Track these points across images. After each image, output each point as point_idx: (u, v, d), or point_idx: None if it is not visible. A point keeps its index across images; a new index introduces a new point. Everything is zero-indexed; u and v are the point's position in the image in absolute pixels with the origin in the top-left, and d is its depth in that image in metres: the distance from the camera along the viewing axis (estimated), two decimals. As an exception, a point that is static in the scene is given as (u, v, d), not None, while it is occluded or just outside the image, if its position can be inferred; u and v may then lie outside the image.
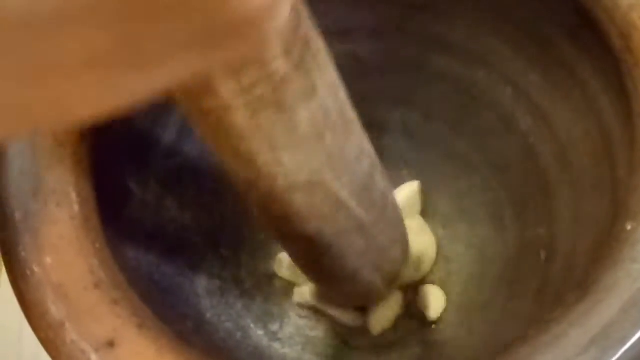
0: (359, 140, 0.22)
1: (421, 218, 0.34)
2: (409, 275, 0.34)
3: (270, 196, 0.21)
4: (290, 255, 0.28)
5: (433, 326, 0.33)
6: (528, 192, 0.31)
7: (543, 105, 0.30)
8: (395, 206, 0.27)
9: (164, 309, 0.24)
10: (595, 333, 0.19)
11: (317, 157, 0.20)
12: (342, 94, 0.20)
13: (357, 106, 0.21)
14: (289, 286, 0.34)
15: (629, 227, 0.21)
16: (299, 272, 0.34)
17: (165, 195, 0.30)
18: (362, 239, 0.25)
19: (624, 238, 0.20)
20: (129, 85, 0.12)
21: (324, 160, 0.21)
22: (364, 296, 0.30)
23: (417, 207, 0.34)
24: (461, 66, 0.32)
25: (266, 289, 0.34)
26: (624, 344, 0.19)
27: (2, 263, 0.22)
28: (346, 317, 0.33)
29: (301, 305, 0.34)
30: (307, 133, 0.19)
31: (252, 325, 0.31)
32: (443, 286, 0.34)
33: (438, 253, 0.34)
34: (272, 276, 0.34)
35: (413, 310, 0.33)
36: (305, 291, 0.33)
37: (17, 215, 0.22)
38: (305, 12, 0.18)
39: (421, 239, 0.34)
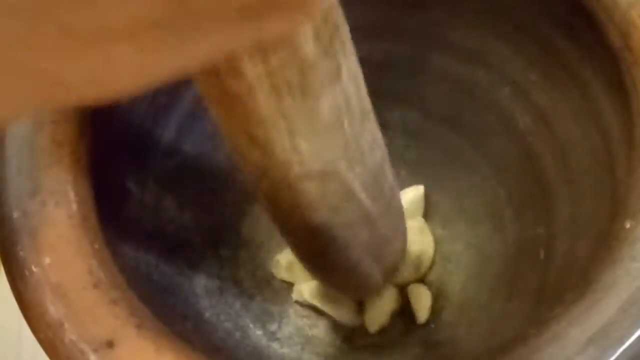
0: (373, 130, 0.22)
1: (422, 219, 0.35)
2: (408, 274, 0.34)
3: (283, 185, 0.20)
4: (293, 248, 0.27)
5: (432, 325, 0.33)
6: (527, 192, 0.31)
7: (542, 105, 0.30)
8: (398, 199, 0.27)
9: (163, 308, 0.24)
10: (594, 332, 0.19)
11: (334, 146, 0.20)
12: (361, 81, 0.20)
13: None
14: (288, 286, 0.34)
15: (627, 226, 0.21)
16: (296, 273, 0.34)
17: (164, 195, 0.30)
18: (367, 231, 0.24)
19: (623, 237, 0.20)
20: (172, 57, 0.12)
21: (340, 150, 0.20)
22: (363, 288, 0.29)
23: (420, 210, 0.35)
24: (461, 66, 0.32)
25: (265, 289, 0.34)
26: (623, 342, 0.19)
27: (1, 263, 0.22)
28: (345, 317, 0.33)
29: (300, 303, 0.34)
30: (328, 120, 0.19)
31: (250, 325, 0.31)
32: (442, 285, 0.34)
33: (438, 252, 0.34)
34: (270, 276, 0.34)
35: (410, 309, 0.33)
36: (304, 289, 0.33)
37: (15, 215, 0.21)
38: None
39: (421, 239, 0.34)
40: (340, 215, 0.22)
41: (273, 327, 0.32)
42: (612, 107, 0.25)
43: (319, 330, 0.33)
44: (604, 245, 0.21)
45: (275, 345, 0.32)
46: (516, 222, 0.31)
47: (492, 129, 0.32)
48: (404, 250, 0.30)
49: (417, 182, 0.35)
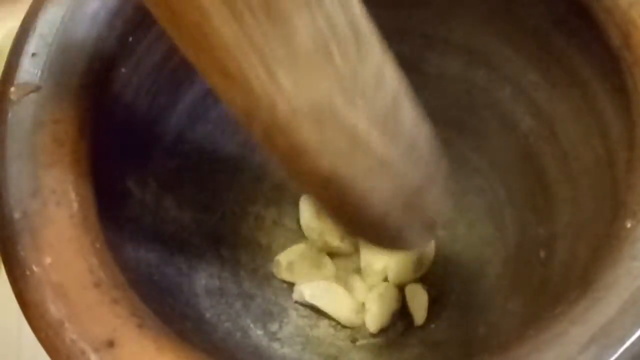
0: (378, 61, 0.19)
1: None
2: (408, 274, 0.34)
3: (274, 129, 0.18)
4: (312, 197, 0.25)
5: (432, 326, 0.33)
6: (528, 192, 0.31)
7: (543, 105, 0.30)
8: (428, 140, 0.23)
9: (164, 308, 0.24)
10: (595, 331, 0.19)
11: (323, 79, 0.18)
12: (356, 6, 0.18)
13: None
14: (288, 286, 0.34)
15: (628, 225, 0.21)
16: (297, 273, 0.34)
17: (165, 195, 0.30)
18: (388, 179, 0.21)
19: (623, 236, 0.20)
20: None
21: (332, 84, 0.18)
22: (398, 241, 0.26)
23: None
24: (461, 66, 0.32)
25: (266, 289, 0.34)
26: (624, 342, 0.19)
27: (1, 263, 0.22)
28: (345, 317, 0.33)
29: (300, 304, 0.34)
30: (307, 48, 0.17)
31: (251, 325, 0.31)
32: (442, 286, 0.34)
33: (438, 253, 0.34)
34: (271, 276, 0.34)
35: (409, 310, 0.33)
36: (304, 289, 0.33)
37: (16, 215, 0.21)
38: None
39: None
40: (348, 160, 0.20)
41: (274, 327, 0.32)
42: (612, 107, 0.25)
43: (320, 330, 0.33)
44: (604, 244, 0.21)
45: (275, 346, 0.32)
46: (517, 223, 0.31)
47: (492, 129, 0.32)
48: (445, 199, 0.26)
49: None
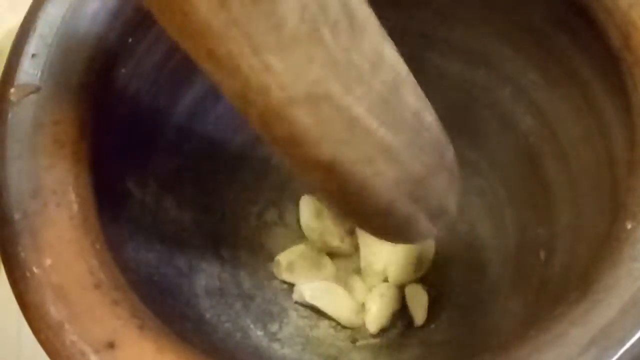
0: (375, 45, 0.19)
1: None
2: (407, 274, 0.34)
3: (270, 115, 0.18)
4: (315, 189, 0.24)
5: (432, 326, 0.33)
6: (528, 192, 0.31)
7: (543, 105, 0.30)
8: (434, 127, 0.23)
9: (164, 309, 0.24)
10: (595, 332, 0.19)
11: (315, 63, 0.17)
12: None
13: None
14: (288, 286, 0.34)
15: (628, 226, 0.21)
16: (297, 273, 0.34)
17: (165, 196, 0.30)
18: (391, 167, 0.21)
19: (623, 237, 0.20)
20: None
21: (326, 68, 0.18)
22: (404, 232, 0.25)
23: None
24: (461, 66, 0.32)
25: (265, 290, 0.34)
26: (624, 343, 0.19)
27: (1, 264, 0.22)
28: (345, 317, 0.33)
29: (300, 304, 0.34)
30: (296, 30, 0.17)
31: (251, 326, 0.31)
32: (442, 286, 0.34)
33: (438, 253, 0.34)
34: (271, 276, 0.34)
35: (409, 310, 0.33)
36: (304, 289, 0.33)
37: (16, 216, 0.21)
38: None
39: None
40: (348, 148, 0.20)
41: (274, 327, 0.32)
42: (612, 107, 0.25)
43: (320, 330, 0.33)
44: (604, 245, 0.21)
45: (276, 346, 0.32)
46: (516, 223, 0.31)
47: (492, 129, 0.32)
48: (454, 187, 0.26)
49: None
